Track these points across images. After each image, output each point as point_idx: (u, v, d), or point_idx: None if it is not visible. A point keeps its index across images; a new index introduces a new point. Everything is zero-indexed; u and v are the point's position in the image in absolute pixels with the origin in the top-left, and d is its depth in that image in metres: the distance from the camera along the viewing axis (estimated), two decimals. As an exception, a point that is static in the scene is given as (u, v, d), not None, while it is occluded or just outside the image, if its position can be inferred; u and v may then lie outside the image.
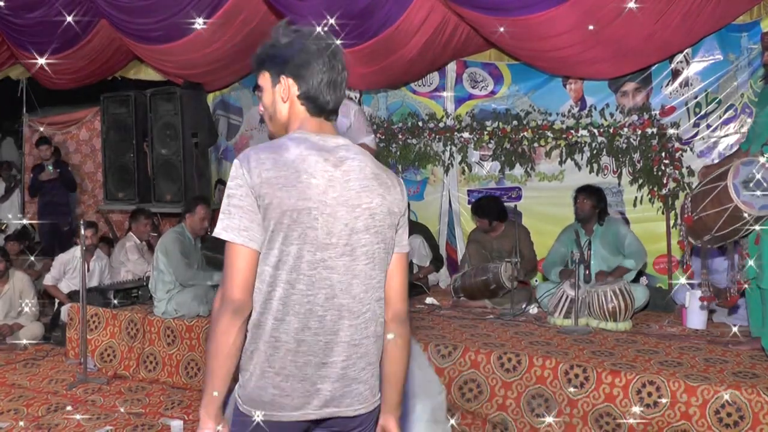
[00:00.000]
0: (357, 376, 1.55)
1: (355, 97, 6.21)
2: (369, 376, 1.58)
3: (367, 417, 1.59)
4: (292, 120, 1.61)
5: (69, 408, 3.97)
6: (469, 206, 5.74)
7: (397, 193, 1.60)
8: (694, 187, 3.92)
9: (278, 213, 1.46)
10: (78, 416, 3.85)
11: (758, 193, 3.39)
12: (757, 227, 3.41)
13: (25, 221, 7.52)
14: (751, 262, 3.43)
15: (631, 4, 4.05)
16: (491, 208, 5.06)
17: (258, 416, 1.49)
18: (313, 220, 1.48)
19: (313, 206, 1.48)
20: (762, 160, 3.49)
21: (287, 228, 1.47)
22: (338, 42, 1.67)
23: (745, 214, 3.40)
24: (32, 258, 6.32)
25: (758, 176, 3.41)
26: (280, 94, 1.59)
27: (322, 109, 1.59)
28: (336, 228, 1.50)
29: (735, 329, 3.76)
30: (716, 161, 4.78)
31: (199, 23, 5.23)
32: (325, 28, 1.68)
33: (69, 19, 5.81)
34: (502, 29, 4.56)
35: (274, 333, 1.49)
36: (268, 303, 1.49)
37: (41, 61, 6.37)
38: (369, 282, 1.55)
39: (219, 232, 1.48)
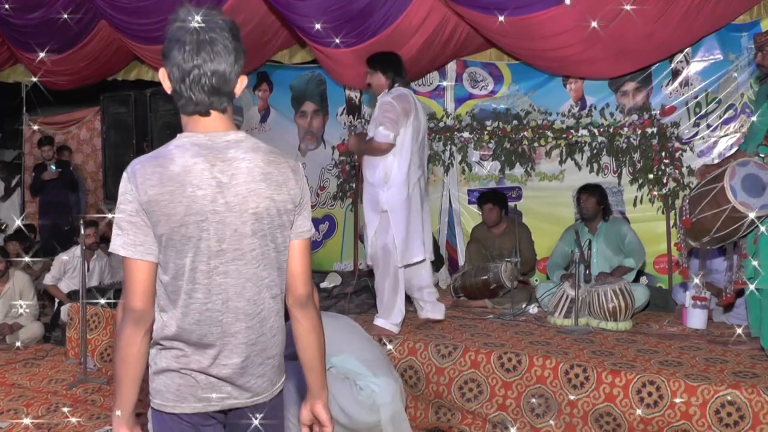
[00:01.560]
0: (255, 371, 1.61)
1: (356, 97, 6.21)
2: (268, 369, 1.63)
3: (268, 404, 1.66)
4: (182, 118, 1.58)
5: (69, 407, 3.97)
6: (470, 206, 5.75)
7: (290, 188, 1.58)
8: (693, 187, 3.92)
9: (167, 229, 1.48)
10: (78, 416, 3.85)
11: (756, 193, 3.39)
12: (762, 228, 3.41)
13: (18, 222, 7.51)
14: (754, 263, 3.43)
15: (628, 7, 4.05)
16: (500, 196, 5.13)
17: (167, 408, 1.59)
18: (203, 231, 1.49)
19: (201, 218, 1.49)
20: (756, 160, 3.50)
21: (178, 243, 1.49)
22: (224, 21, 1.52)
23: (744, 215, 3.40)
24: (27, 258, 6.30)
25: (754, 176, 3.42)
26: (165, 87, 1.56)
27: (195, 109, 1.53)
28: (226, 234, 1.51)
29: (740, 330, 3.73)
30: (716, 161, 4.78)
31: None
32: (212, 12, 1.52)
33: (66, 16, 5.81)
34: (501, 29, 4.56)
35: (178, 337, 1.55)
36: (173, 311, 1.54)
37: (41, 54, 6.36)
38: (260, 283, 1.57)
39: (116, 248, 1.50)
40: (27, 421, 3.81)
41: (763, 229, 3.40)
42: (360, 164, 4.05)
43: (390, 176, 3.84)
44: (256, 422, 1.65)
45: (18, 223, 7.36)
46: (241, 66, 1.54)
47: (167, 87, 1.55)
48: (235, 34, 1.52)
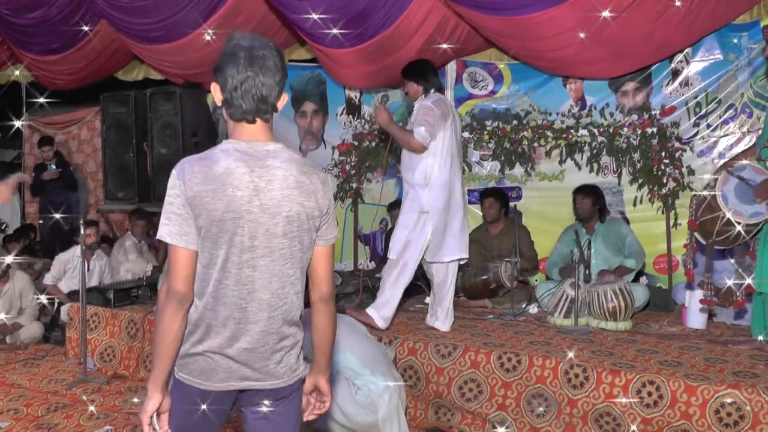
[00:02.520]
0: (274, 358, 1.78)
1: (356, 97, 6.21)
2: (286, 356, 1.80)
3: (286, 390, 1.82)
4: (228, 125, 1.79)
5: (69, 408, 3.96)
6: (470, 206, 5.74)
7: (319, 197, 1.77)
8: (700, 189, 3.92)
9: (207, 222, 1.68)
10: (78, 416, 3.85)
11: (747, 199, 3.38)
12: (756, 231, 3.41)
13: (12, 223, 7.51)
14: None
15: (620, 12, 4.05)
16: (502, 194, 5.16)
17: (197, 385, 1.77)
18: (238, 228, 1.69)
19: (237, 216, 1.68)
20: (754, 163, 3.49)
21: (215, 235, 1.69)
22: (273, 44, 1.76)
23: (738, 222, 3.39)
24: (23, 258, 6.30)
25: (749, 181, 3.40)
26: (216, 98, 1.77)
27: (243, 116, 1.74)
28: (259, 233, 1.71)
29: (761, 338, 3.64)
30: (716, 161, 4.79)
31: (198, 23, 5.22)
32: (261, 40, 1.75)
33: (67, 17, 5.81)
34: (501, 29, 4.56)
35: (202, 317, 1.75)
36: (202, 297, 1.74)
37: (42, 54, 6.36)
38: (286, 279, 1.77)
39: (162, 236, 1.70)
40: (27, 421, 3.81)
41: (754, 232, 3.38)
42: (389, 140, 4.12)
43: (431, 178, 3.90)
44: (263, 410, 1.82)
45: (10, 223, 7.33)
46: (284, 85, 1.77)
47: (218, 98, 1.75)
48: (281, 56, 1.76)
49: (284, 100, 1.79)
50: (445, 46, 5.08)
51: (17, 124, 7.50)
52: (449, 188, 3.95)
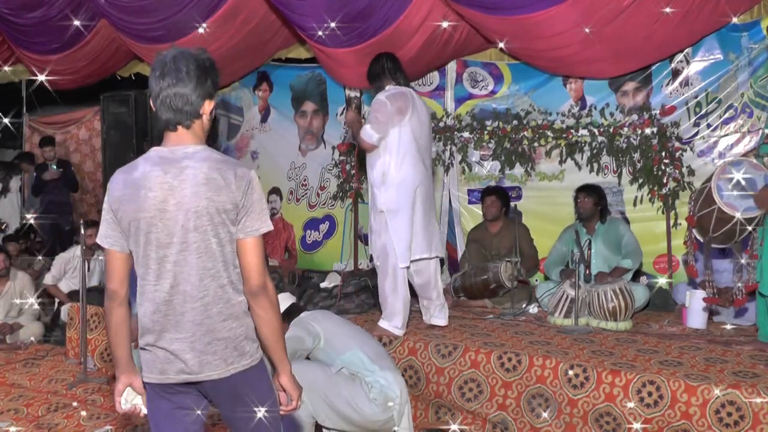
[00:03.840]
0: (204, 349, 1.86)
1: (356, 97, 6.20)
2: (220, 349, 1.87)
3: (223, 381, 1.88)
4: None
5: (69, 408, 3.97)
6: (470, 206, 5.75)
7: (232, 191, 1.83)
8: (699, 186, 3.92)
9: (125, 223, 1.86)
10: (78, 416, 3.85)
11: (741, 194, 3.38)
12: (750, 228, 3.40)
13: (31, 220, 7.51)
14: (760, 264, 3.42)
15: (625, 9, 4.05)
16: (504, 192, 5.15)
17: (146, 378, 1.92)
18: (152, 226, 1.83)
19: (150, 215, 1.82)
20: (753, 160, 3.49)
21: (134, 234, 1.85)
22: (189, 54, 1.85)
23: (731, 217, 3.39)
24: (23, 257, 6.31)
25: (740, 177, 3.40)
26: None
27: (165, 124, 1.88)
28: (175, 229, 1.82)
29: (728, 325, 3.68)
30: (716, 161, 4.79)
31: (198, 23, 5.22)
32: None
33: (67, 16, 5.81)
34: (501, 29, 4.56)
35: (141, 311, 1.90)
36: (141, 294, 1.90)
37: (41, 53, 6.35)
38: (204, 272, 1.85)
39: (98, 239, 1.92)
40: (27, 421, 3.81)
41: (749, 229, 3.38)
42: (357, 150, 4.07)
43: (387, 176, 3.80)
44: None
45: (30, 220, 7.32)
46: (207, 91, 1.87)
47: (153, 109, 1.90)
48: (201, 63, 1.85)
49: (209, 105, 1.89)
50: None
51: (4, 120, 7.48)
52: (410, 186, 3.82)
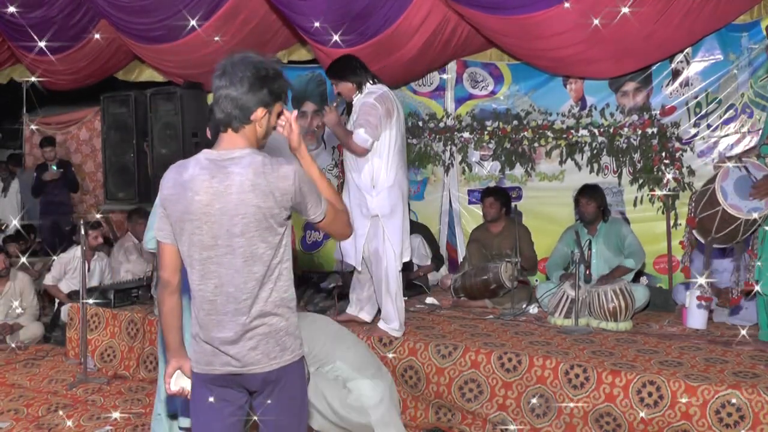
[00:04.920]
0: (247, 345, 1.92)
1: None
2: (263, 344, 1.92)
3: (265, 376, 1.94)
4: None
5: (69, 407, 3.96)
6: (470, 206, 5.75)
7: (277, 195, 1.87)
8: (701, 187, 3.91)
9: (173, 221, 1.94)
10: (78, 416, 3.85)
11: (744, 195, 3.38)
12: (753, 227, 3.40)
13: (15, 222, 7.53)
14: (759, 264, 3.42)
15: (627, 9, 4.04)
16: (504, 193, 5.14)
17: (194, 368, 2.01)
18: (196, 228, 1.89)
19: (195, 218, 1.89)
20: (754, 160, 3.49)
21: (179, 233, 1.94)
22: (250, 59, 1.90)
23: (736, 218, 3.39)
24: (24, 259, 6.31)
25: (745, 178, 3.40)
26: None
27: (216, 125, 1.95)
28: (220, 233, 1.88)
29: (743, 331, 3.69)
30: (716, 161, 4.78)
31: (199, 23, 5.22)
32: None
33: (67, 16, 5.81)
34: (502, 29, 4.56)
35: (192, 307, 1.99)
36: (189, 286, 1.98)
37: (41, 53, 6.34)
38: (250, 275, 1.90)
39: (154, 231, 2.02)
40: (27, 421, 3.81)
41: (756, 227, 3.38)
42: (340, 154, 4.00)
43: (378, 180, 3.76)
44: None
45: (15, 222, 7.35)
46: (262, 99, 1.90)
47: None
48: (261, 71, 1.89)
49: (261, 114, 1.91)
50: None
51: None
52: (399, 188, 3.80)
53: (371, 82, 3.85)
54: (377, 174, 3.75)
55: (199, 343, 1.97)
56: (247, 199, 1.85)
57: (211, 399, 1.98)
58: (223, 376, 1.95)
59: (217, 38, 5.30)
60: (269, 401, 1.97)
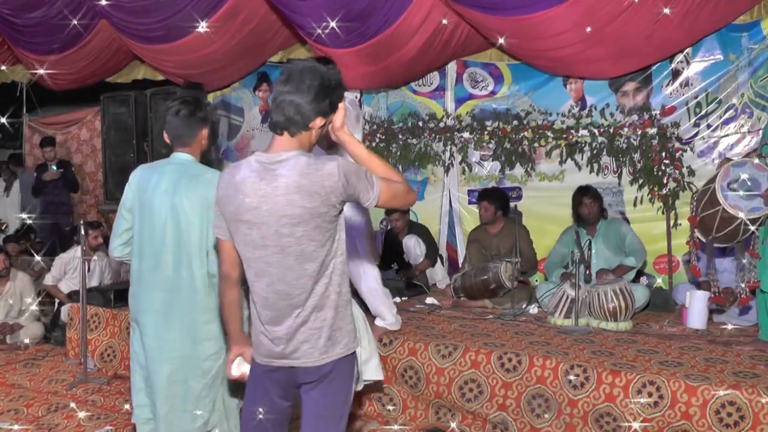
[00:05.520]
0: (300, 338, 1.99)
1: (356, 97, 6.21)
2: (314, 338, 1.99)
3: (316, 370, 2.01)
4: None
5: (69, 407, 3.96)
6: (470, 206, 5.75)
7: (322, 194, 1.90)
8: (701, 186, 3.91)
9: (227, 220, 2.03)
10: (78, 416, 3.85)
11: (746, 194, 3.38)
12: (753, 228, 3.40)
13: (25, 219, 7.52)
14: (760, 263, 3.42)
15: (626, 9, 4.04)
16: (499, 194, 5.10)
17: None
18: (248, 229, 1.97)
19: (245, 219, 1.96)
20: (756, 161, 3.48)
21: (234, 232, 2.03)
22: (317, 69, 1.95)
23: (737, 217, 3.39)
24: (23, 258, 6.32)
25: (745, 178, 3.40)
26: None
27: (273, 127, 1.98)
28: (269, 233, 1.94)
29: (729, 326, 3.69)
30: (717, 161, 4.78)
31: (199, 23, 5.22)
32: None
33: (67, 17, 5.81)
34: (502, 29, 4.56)
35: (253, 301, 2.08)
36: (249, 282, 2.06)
37: (41, 54, 6.34)
38: (301, 272, 1.96)
39: (213, 228, 2.12)
40: (27, 421, 3.81)
41: (753, 228, 3.37)
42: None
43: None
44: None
45: (25, 220, 7.34)
46: (324, 109, 1.95)
47: None
48: (325, 81, 1.94)
49: (319, 123, 1.96)
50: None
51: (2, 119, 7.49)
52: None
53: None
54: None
55: (258, 336, 2.06)
56: (293, 200, 1.89)
57: (264, 388, 2.08)
58: (277, 368, 2.04)
59: (215, 38, 5.30)
60: (315, 393, 2.04)
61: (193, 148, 2.70)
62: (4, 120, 6.82)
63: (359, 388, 3.19)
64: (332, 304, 2.00)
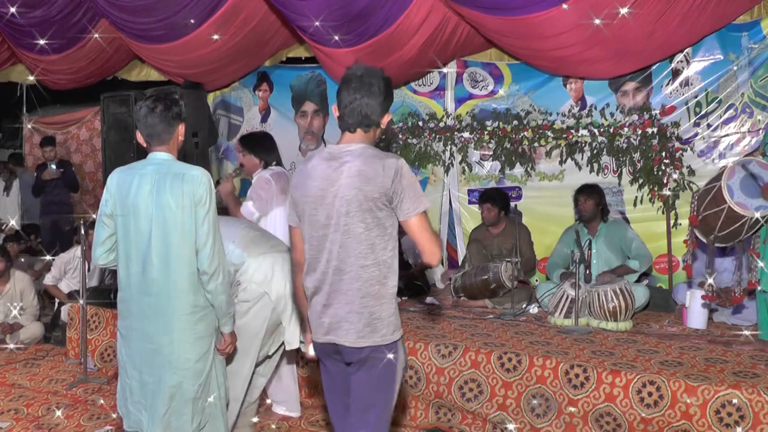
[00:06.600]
0: (343, 317, 2.19)
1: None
2: (355, 321, 2.18)
3: (355, 352, 2.19)
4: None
5: (69, 407, 3.96)
6: (470, 206, 5.75)
7: (378, 181, 2.13)
8: (702, 185, 3.91)
9: (296, 204, 2.29)
10: (78, 416, 3.85)
11: (751, 193, 3.38)
12: (760, 223, 3.39)
13: (13, 222, 7.53)
14: (761, 264, 3.42)
15: (625, 9, 4.04)
16: (502, 196, 5.09)
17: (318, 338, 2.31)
18: (313, 209, 2.22)
19: (311, 200, 2.22)
20: (760, 159, 3.49)
21: (300, 214, 2.28)
22: (378, 73, 2.22)
23: (741, 215, 3.39)
24: (21, 258, 6.31)
25: (755, 175, 3.40)
26: (335, 114, 2.30)
27: (347, 127, 2.24)
28: (332, 213, 2.18)
29: (747, 332, 3.71)
30: (717, 161, 4.79)
31: (199, 23, 5.22)
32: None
33: (67, 16, 5.81)
34: (502, 29, 4.56)
35: (307, 283, 2.30)
36: (308, 263, 2.29)
37: (42, 53, 6.33)
38: (351, 251, 2.17)
39: (287, 218, 2.39)
40: (27, 421, 3.81)
41: (757, 227, 3.38)
42: None
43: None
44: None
45: (13, 222, 7.34)
46: (388, 106, 2.25)
47: (336, 114, 2.27)
48: (387, 82, 2.23)
49: (388, 118, 2.26)
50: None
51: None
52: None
53: (275, 163, 3.93)
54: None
55: (312, 314, 2.27)
56: (352, 182, 2.14)
57: (327, 363, 2.30)
58: (325, 345, 2.24)
59: (216, 37, 5.30)
60: (358, 375, 2.21)
61: (170, 146, 2.62)
62: None
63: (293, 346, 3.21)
64: (376, 292, 2.17)
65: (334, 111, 2.28)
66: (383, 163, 2.15)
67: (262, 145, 3.93)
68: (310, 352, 2.38)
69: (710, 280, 3.84)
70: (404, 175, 2.15)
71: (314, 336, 2.29)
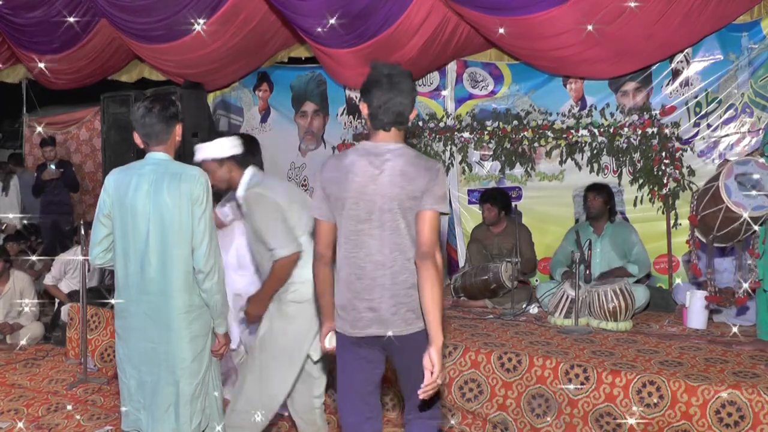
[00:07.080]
0: (389, 310, 2.26)
1: (356, 97, 6.21)
2: (402, 311, 2.27)
3: (401, 339, 2.27)
4: (369, 131, 2.36)
5: (69, 407, 3.96)
6: (470, 206, 5.75)
7: (419, 182, 2.22)
8: (701, 185, 3.90)
9: (333, 199, 2.30)
10: (78, 416, 3.85)
11: (751, 193, 3.37)
12: (756, 227, 3.40)
13: (13, 219, 7.52)
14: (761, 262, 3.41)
15: (632, 3, 4.05)
16: (502, 196, 5.09)
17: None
18: (354, 204, 2.26)
19: (352, 195, 2.26)
20: (760, 159, 3.48)
21: (338, 209, 2.30)
22: (404, 72, 2.28)
23: (739, 215, 3.38)
24: (24, 257, 6.31)
25: (751, 176, 3.39)
26: (363, 113, 2.33)
27: (382, 126, 2.28)
28: (373, 209, 2.25)
29: (735, 329, 3.75)
30: (717, 161, 4.79)
31: (199, 23, 5.22)
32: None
33: (69, 19, 5.81)
34: (502, 29, 4.56)
35: (339, 275, 2.33)
36: (339, 257, 2.33)
37: (42, 53, 6.34)
38: (394, 246, 2.25)
39: (310, 211, 2.41)
40: (27, 421, 3.81)
41: (755, 228, 3.37)
42: None
43: (244, 261, 3.52)
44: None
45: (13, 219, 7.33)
46: (414, 101, 2.30)
47: (365, 113, 2.31)
48: (412, 79, 2.30)
49: (415, 113, 2.33)
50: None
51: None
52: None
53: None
54: (242, 252, 3.51)
55: (347, 310, 2.30)
56: (395, 181, 2.22)
57: (355, 357, 2.32)
58: (366, 337, 2.28)
59: (202, 31, 5.28)
60: (406, 359, 2.29)
61: (168, 146, 2.63)
62: None
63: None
64: (413, 284, 2.25)
65: (362, 109, 2.32)
66: (425, 165, 2.26)
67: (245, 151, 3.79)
68: (328, 345, 2.41)
69: (713, 281, 3.84)
70: (440, 177, 2.26)
71: (346, 329, 2.31)
